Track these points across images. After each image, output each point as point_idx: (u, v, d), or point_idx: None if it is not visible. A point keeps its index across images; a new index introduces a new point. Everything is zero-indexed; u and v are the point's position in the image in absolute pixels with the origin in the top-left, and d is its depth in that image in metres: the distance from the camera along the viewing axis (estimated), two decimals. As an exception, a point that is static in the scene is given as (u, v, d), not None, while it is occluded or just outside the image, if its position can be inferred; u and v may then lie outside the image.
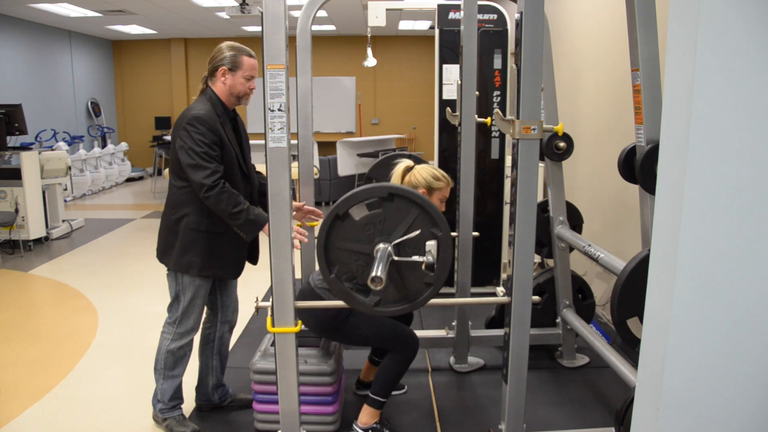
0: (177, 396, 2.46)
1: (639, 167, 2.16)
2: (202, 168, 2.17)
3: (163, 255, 2.36)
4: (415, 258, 1.78)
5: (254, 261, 2.54)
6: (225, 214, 2.19)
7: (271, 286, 1.84)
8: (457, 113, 2.84)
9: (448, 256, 1.80)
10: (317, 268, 2.36)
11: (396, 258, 1.78)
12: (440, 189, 2.33)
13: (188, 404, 2.58)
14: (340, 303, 2.19)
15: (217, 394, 2.62)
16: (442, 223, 1.78)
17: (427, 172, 2.33)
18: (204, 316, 2.58)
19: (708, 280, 1.01)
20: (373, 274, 1.67)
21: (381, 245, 1.77)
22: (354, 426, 2.35)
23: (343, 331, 2.28)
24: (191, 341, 2.42)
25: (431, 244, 1.80)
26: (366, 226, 1.79)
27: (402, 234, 1.78)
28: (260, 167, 2.26)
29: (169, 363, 2.40)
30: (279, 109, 1.71)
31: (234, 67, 2.27)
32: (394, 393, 2.75)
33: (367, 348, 2.74)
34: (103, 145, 10.12)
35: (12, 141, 6.06)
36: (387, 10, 3.90)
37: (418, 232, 1.77)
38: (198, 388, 2.62)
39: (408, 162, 2.39)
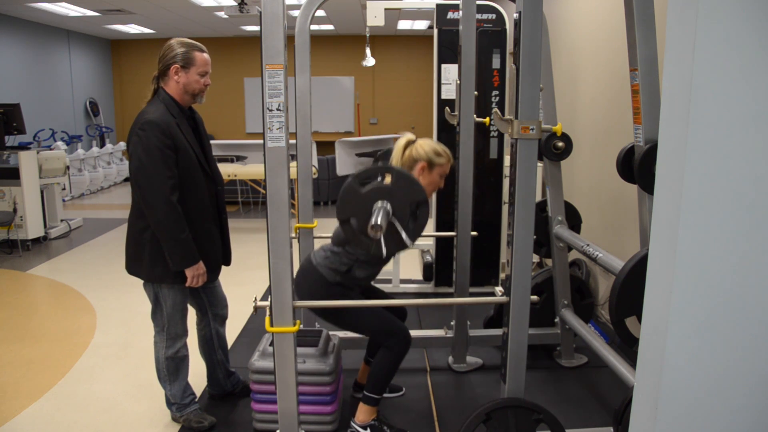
0: (188, 392, 2.48)
1: (637, 167, 2.16)
2: (155, 176, 2.10)
3: (132, 267, 2.29)
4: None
5: (227, 262, 2.50)
6: (168, 233, 2.13)
7: (270, 286, 1.84)
8: (456, 113, 2.84)
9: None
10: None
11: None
12: (441, 165, 2.25)
13: (199, 393, 2.62)
14: (337, 302, 2.20)
15: (229, 383, 2.69)
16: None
17: (429, 146, 2.25)
18: (196, 317, 2.58)
19: (706, 279, 1.01)
20: (373, 222, 1.70)
21: (379, 202, 1.78)
22: (351, 424, 2.35)
23: (338, 313, 2.30)
24: (185, 342, 2.42)
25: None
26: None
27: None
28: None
29: (172, 368, 2.40)
30: (278, 109, 1.71)
31: (187, 64, 2.19)
32: (391, 396, 2.75)
33: (363, 348, 2.74)
34: (102, 145, 10.11)
35: (10, 140, 6.05)
36: (385, 9, 3.89)
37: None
38: (209, 382, 2.68)
39: (410, 136, 2.30)
